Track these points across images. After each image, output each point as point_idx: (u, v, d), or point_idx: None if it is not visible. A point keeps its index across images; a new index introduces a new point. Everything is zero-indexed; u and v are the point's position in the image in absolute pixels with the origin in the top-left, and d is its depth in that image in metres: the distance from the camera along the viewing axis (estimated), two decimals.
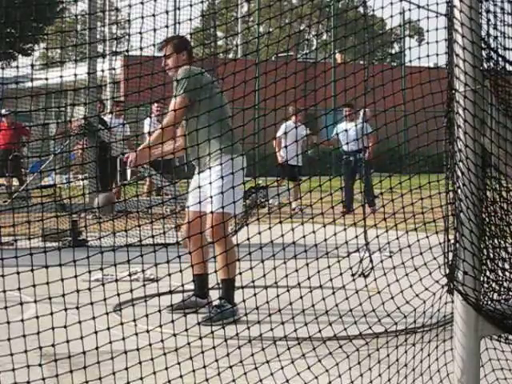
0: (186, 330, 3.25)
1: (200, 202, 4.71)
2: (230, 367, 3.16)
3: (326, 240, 3.32)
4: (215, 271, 4.46)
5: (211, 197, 4.32)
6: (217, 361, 3.16)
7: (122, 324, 3.06)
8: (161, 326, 3.17)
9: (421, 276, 3.31)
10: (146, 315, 3.11)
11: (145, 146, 5.72)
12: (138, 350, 2.99)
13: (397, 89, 3.36)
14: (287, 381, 3.21)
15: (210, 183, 4.39)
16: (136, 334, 3.03)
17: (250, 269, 3.31)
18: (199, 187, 4.78)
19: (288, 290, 3.34)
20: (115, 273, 3.19)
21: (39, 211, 3.19)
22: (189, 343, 3.16)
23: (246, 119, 3.41)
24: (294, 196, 13.98)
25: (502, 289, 2.92)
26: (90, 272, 2.99)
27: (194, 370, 3.09)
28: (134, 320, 3.32)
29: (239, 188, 4.97)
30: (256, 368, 3.20)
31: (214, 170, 5.12)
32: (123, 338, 2.98)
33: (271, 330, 3.30)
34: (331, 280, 3.38)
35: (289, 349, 3.30)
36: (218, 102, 4.97)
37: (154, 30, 3.16)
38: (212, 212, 4.92)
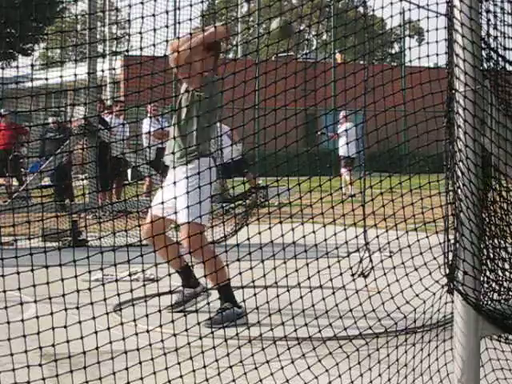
0: (186, 330, 3.25)
1: (162, 203, 4.56)
2: (230, 367, 3.16)
3: (326, 240, 3.32)
4: (205, 276, 4.44)
5: (188, 207, 4.29)
6: (217, 361, 3.16)
7: (122, 324, 3.06)
8: (161, 326, 3.17)
9: (421, 276, 3.30)
10: (146, 315, 3.11)
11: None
12: (138, 350, 2.99)
13: (397, 89, 3.36)
14: (287, 381, 3.21)
15: (188, 192, 4.34)
16: (136, 334, 3.03)
17: (249, 269, 3.31)
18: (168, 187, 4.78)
19: (288, 290, 3.34)
20: (115, 273, 3.19)
21: (39, 211, 3.19)
22: (189, 343, 3.16)
23: (246, 119, 3.41)
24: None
25: (502, 289, 2.92)
26: (90, 272, 2.99)
27: (194, 370, 3.08)
28: (134, 320, 3.31)
29: (208, 195, 4.84)
30: (256, 368, 3.19)
31: (181, 172, 5.07)
32: (123, 338, 2.97)
33: (271, 329, 3.30)
34: (331, 280, 3.38)
35: (289, 349, 3.30)
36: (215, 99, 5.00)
37: (154, 29, 3.16)
38: (188, 223, 4.91)
